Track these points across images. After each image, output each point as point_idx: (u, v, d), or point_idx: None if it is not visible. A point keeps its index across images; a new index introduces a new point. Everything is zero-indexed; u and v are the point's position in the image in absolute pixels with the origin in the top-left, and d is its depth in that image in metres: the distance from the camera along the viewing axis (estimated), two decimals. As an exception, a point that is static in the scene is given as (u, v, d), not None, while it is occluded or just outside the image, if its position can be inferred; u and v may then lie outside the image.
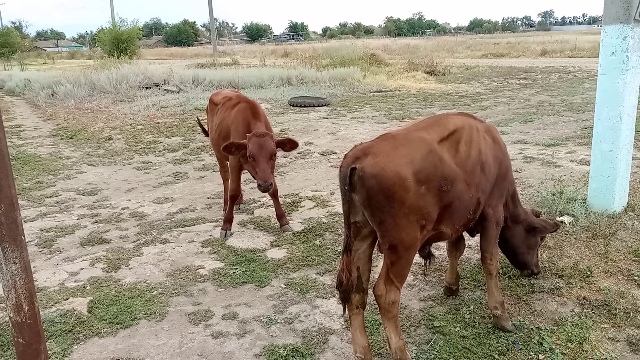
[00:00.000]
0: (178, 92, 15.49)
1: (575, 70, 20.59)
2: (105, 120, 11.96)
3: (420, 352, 3.01)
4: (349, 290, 2.64)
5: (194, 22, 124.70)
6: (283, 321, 3.44)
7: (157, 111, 12.50)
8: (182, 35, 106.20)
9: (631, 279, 3.66)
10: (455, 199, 2.62)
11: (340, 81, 17.50)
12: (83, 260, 4.49)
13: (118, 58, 23.69)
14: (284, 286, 3.91)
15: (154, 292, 3.86)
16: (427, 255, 3.30)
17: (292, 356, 3.03)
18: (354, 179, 2.41)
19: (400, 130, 2.71)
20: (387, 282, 2.57)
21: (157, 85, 16.58)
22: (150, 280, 4.07)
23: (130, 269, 4.30)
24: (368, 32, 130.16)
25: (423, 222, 2.48)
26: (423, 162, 2.46)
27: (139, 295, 3.82)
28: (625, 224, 4.47)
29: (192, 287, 3.95)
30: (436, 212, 2.54)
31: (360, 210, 2.50)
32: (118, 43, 28.52)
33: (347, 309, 2.77)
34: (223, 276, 4.10)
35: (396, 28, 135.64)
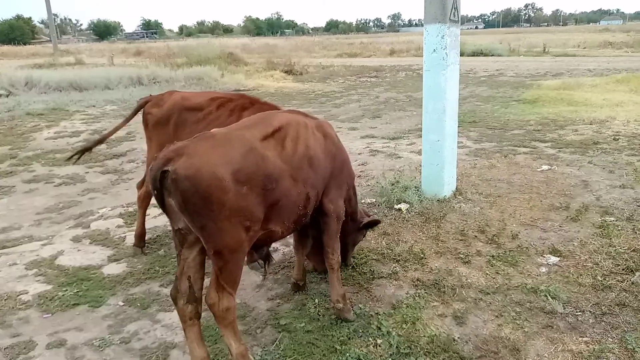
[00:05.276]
0: (7, 96, 13.69)
1: (419, 68, 22.43)
2: None
3: (265, 353, 2.96)
4: (178, 299, 2.49)
5: (30, 17, 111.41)
6: (119, 342, 3.14)
7: (-20, 118, 10.88)
8: (15, 33, 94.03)
9: (458, 257, 4.01)
10: (282, 196, 2.58)
11: (197, 80, 16.99)
12: None
13: None
14: (122, 303, 3.59)
15: (-40, 330, 3.28)
16: (265, 257, 3.24)
17: (125, 380, 2.77)
18: (166, 182, 2.24)
19: (221, 129, 2.59)
20: (218, 289, 2.45)
21: (-20, 89, 14.46)
22: (-45, 316, 3.46)
23: None
24: (227, 31, 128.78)
25: (247, 223, 2.39)
26: (243, 161, 2.37)
27: (-62, 335, 3.22)
28: (454, 207, 4.90)
29: (10, 317, 3.44)
30: (262, 211, 2.48)
31: (180, 217, 2.34)
32: None
33: (181, 321, 2.61)
34: (50, 300, 3.64)
35: (255, 27, 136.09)
